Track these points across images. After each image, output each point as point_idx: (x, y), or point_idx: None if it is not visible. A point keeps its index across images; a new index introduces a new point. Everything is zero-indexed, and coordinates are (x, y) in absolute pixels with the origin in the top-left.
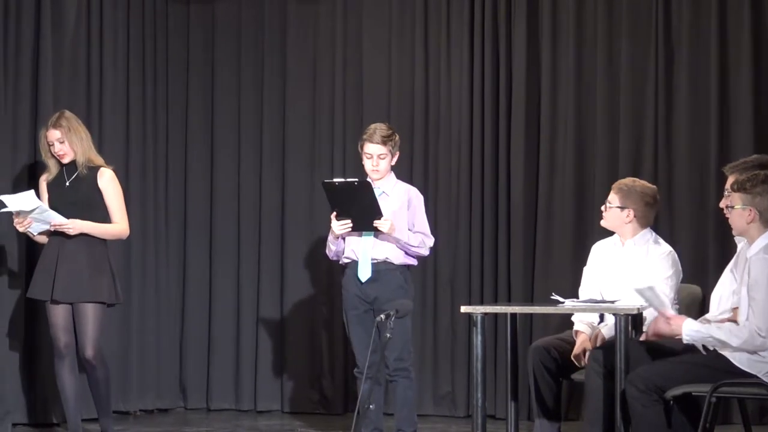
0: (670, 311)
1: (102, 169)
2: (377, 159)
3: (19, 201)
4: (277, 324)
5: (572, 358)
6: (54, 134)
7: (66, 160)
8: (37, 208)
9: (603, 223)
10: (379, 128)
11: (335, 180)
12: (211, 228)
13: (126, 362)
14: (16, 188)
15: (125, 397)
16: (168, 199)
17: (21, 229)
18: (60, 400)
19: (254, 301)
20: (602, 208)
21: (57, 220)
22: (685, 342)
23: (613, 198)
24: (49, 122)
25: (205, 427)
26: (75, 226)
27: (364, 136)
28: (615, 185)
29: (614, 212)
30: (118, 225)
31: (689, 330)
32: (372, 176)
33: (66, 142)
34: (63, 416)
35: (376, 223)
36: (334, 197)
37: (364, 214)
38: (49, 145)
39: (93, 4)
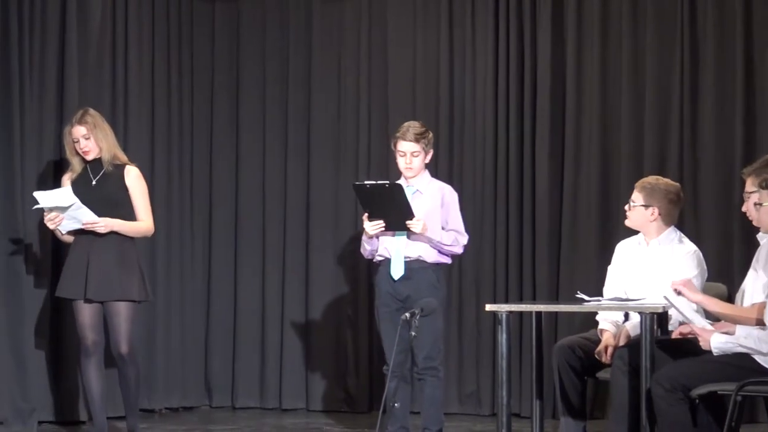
0: (698, 323)
1: (128, 166)
2: (410, 157)
3: (55, 197)
4: (302, 322)
5: (595, 354)
6: (79, 131)
7: (90, 157)
8: (73, 204)
9: (627, 222)
10: (412, 126)
11: (366, 182)
12: (236, 226)
13: (151, 360)
14: (41, 185)
15: (151, 395)
16: (193, 196)
17: (51, 226)
18: (86, 398)
19: (279, 299)
20: (626, 207)
21: (89, 218)
22: (715, 355)
23: (637, 197)
24: (74, 119)
25: (231, 425)
26: (107, 224)
27: (397, 134)
28: (638, 184)
29: (638, 211)
30: (144, 222)
31: (717, 343)
32: (405, 174)
33: (92, 138)
34: (89, 414)
35: (408, 223)
36: (366, 199)
37: (396, 215)
38: (74, 142)
39: (118, 2)
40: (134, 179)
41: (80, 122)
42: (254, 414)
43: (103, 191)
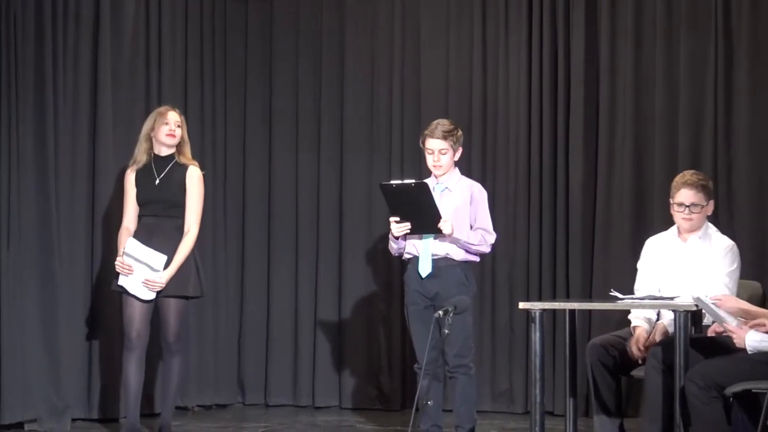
0: (731, 323)
1: (192, 167)
2: (438, 154)
3: (148, 256)
4: (335, 320)
5: (627, 348)
6: (175, 116)
7: (171, 142)
8: (158, 271)
9: (689, 226)
10: (440, 123)
11: (392, 182)
12: (269, 224)
13: None
14: (77, 186)
15: (184, 392)
16: (226, 195)
17: (118, 269)
18: (119, 396)
19: (312, 297)
20: (686, 214)
21: (158, 282)
22: (749, 353)
23: (699, 197)
24: (165, 107)
25: (264, 422)
26: (167, 277)
27: (426, 132)
28: (694, 183)
29: (703, 211)
30: (190, 236)
31: (752, 341)
32: (434, 172)
33: (183, 127)
34: (121, 412)
35: (440, 225)
36: (392, 199)
37: (423, 215)
38: (165, 124)
39: (152, 2)
40: (195, 181)
41: (174, 109)
42: (287, 411)
43: (165, 192)
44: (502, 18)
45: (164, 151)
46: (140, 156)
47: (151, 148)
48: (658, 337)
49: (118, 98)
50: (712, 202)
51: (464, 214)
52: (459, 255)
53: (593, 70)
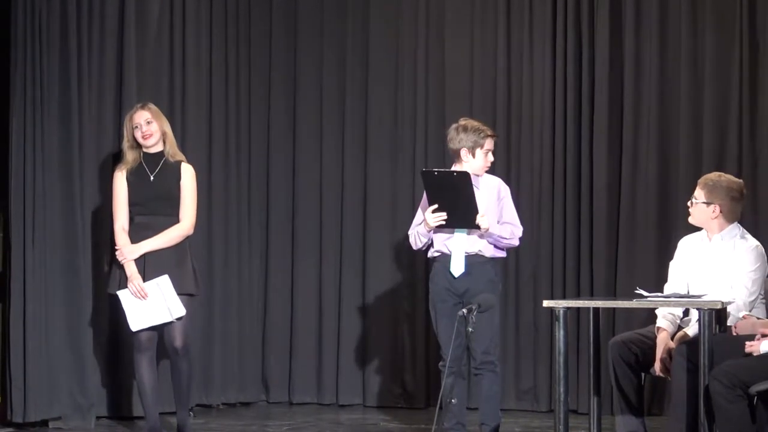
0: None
1: (185, 164)
2: (491, 154)
3: (174, 300)
4: (359, 318)
5: (658, 363)
6: (143, 115)
7: (151, 143)
8: (170, 320)
9: (690, 219)
10: (484, 123)
11: (434, 169)
12: (293, 221)
13: (208, 356)
14: (103, 184)
15: (208, 390)
16: (250, 190)
17: (131, 290)
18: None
19: (336, 295)
20: (688, 203)
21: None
22: None
23: (699, 194)
24: (135, 107)
25: (288, 420)
26: (148, 249)
27: (489, 132)
28: (701, 180)
29: (700, 208)
30: (179, 226)
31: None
32: (483, 171)
33: (154, 123)
34: (141, 411)
35: (479, 219)
36: (432, 187)
37: (461, 207)
38: (134, 128)
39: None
40: (189, 177)
41: (143, 108)
42: (311, 410)
43: (161, 187)
44: (526, 16)
45: (152, 149)
46: (127, 157)
47: (137, 148)
48: (675, 344)
49: (143, 96)
50: (716, 207)
51: (492, 211)
52: (489, 251)
53: (618, 66)
